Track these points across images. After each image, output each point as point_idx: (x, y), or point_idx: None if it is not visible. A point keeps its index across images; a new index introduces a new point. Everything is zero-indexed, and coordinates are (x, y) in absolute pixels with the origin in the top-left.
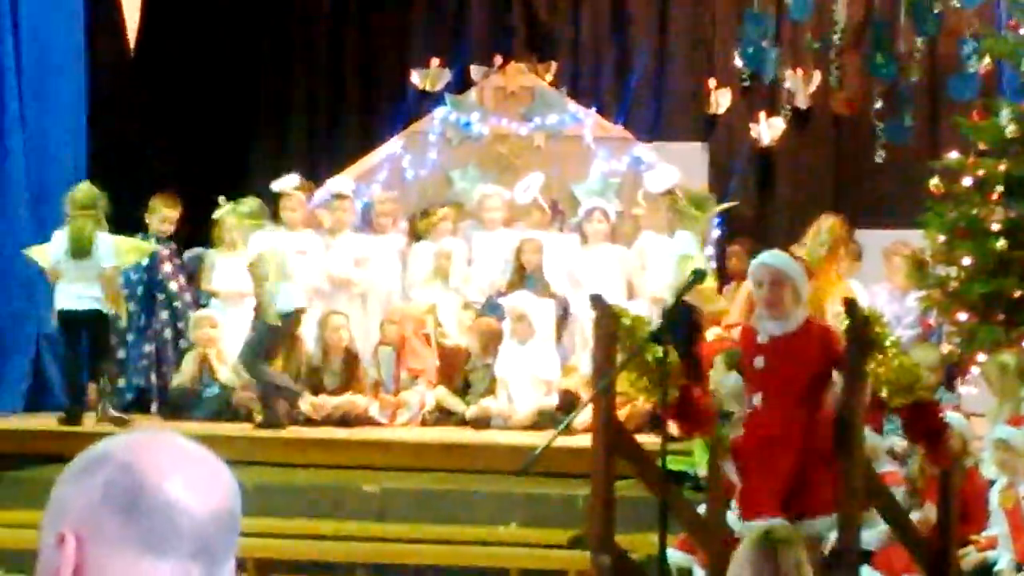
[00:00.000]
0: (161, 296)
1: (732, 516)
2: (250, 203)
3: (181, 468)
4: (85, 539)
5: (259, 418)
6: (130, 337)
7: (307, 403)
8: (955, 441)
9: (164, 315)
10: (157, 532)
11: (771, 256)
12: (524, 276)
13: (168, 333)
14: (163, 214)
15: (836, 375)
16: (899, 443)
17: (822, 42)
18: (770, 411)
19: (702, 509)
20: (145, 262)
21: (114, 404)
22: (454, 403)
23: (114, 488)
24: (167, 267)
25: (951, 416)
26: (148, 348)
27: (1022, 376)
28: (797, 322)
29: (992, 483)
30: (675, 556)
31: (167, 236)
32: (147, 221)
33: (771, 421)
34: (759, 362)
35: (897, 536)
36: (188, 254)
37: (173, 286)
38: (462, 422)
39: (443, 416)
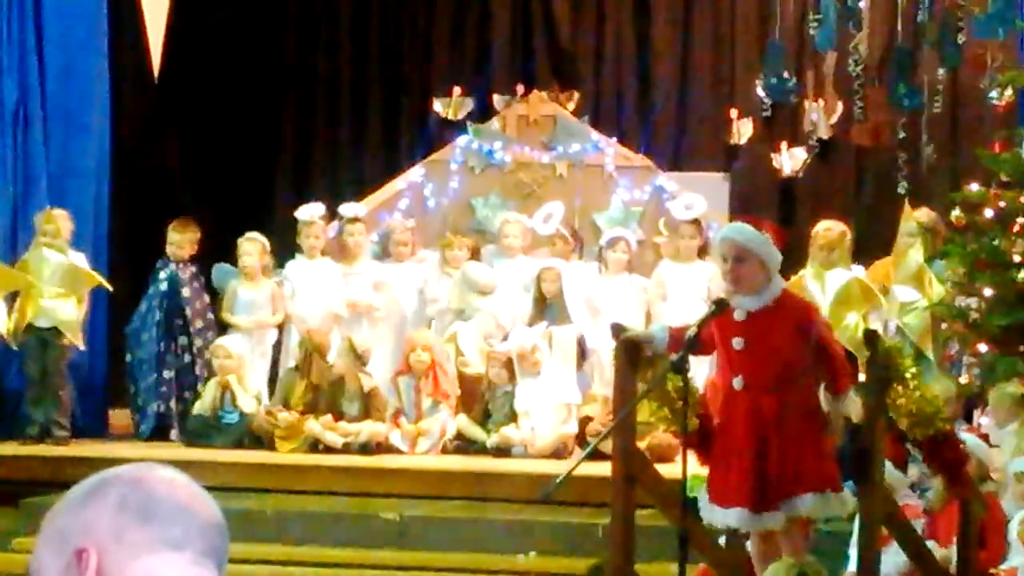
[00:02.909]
0: (179, 322)
1: (708, 507)
2: None
3: (182, 484)
4: (104, 550)
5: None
6: (149, 363)
7: (327, 430)
8: (974, 466)
9: (183, 340)
10: (175, 531)
11: (734, 230)
12: (544, 305)
13: (187, 358)
14: (179, 238)
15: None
16: (917, 473)
17: (843, 72)
18: (753, 394)
19: (722, 540)
20: (164, 287)
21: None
22: (475, 432)
23: (129, 501)
24: (186, 291)
25: (970, 440)
26: (168, 374)
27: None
28: (773, 295)
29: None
30: None
31: (186, 259)
32: (167, 247)
33: (757, 405)
34: (738, 343)
35: (915, 567)
36: (216, 268)
37: (188, 311)
38: (482, 450)
39: (464, 444)
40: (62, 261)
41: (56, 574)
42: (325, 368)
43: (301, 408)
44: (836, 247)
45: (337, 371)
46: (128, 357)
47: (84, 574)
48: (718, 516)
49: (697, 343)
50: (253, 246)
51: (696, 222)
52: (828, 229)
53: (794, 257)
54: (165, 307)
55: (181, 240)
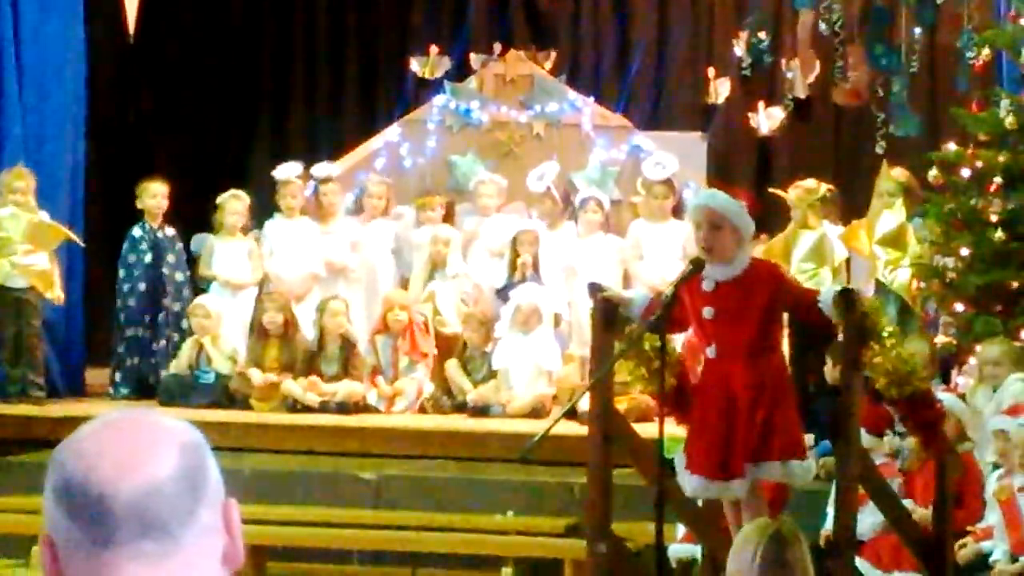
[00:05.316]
0: (170, 288)
1: (688, 476)
2: None
3: (108, 452)
4: (56, 543)
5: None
6: (141, 330)
7: (303, 389)
8: (951, 426)
9: (176, 307)
10: (96, 525)
11: (707, 196)
12: (523, 268)
13: (185, 324)
14: (159, 188)
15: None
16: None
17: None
18: (726, 362)
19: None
20: (148, 258)
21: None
22: (462, 380)
23: (57, 490)
24: (171, 257)
25: (948, 399)
26: (159, 345)
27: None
28: (742, 265)
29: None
30: (678, 549)
31: (162, 221)
32: (140, 207)
33: (729, 373)
34: (708, 312)
35: (892, 527)
36: (195, 239)
37: (179, 276)
38: (459, 409)
39: (443, 400)
40: (31, 218)
41: None
42: (301, 332)
43: (277, 369)
44: (798, 206)
45: (320, 329)
46: (119, 323)
47: (44, 565)
48: (684, 482)
49: (674, 304)
50: (241, 204)
51: (668, 182)
52: (795, 186)
53: (770, 217)
54: (150, 276)
55: (159, 190)
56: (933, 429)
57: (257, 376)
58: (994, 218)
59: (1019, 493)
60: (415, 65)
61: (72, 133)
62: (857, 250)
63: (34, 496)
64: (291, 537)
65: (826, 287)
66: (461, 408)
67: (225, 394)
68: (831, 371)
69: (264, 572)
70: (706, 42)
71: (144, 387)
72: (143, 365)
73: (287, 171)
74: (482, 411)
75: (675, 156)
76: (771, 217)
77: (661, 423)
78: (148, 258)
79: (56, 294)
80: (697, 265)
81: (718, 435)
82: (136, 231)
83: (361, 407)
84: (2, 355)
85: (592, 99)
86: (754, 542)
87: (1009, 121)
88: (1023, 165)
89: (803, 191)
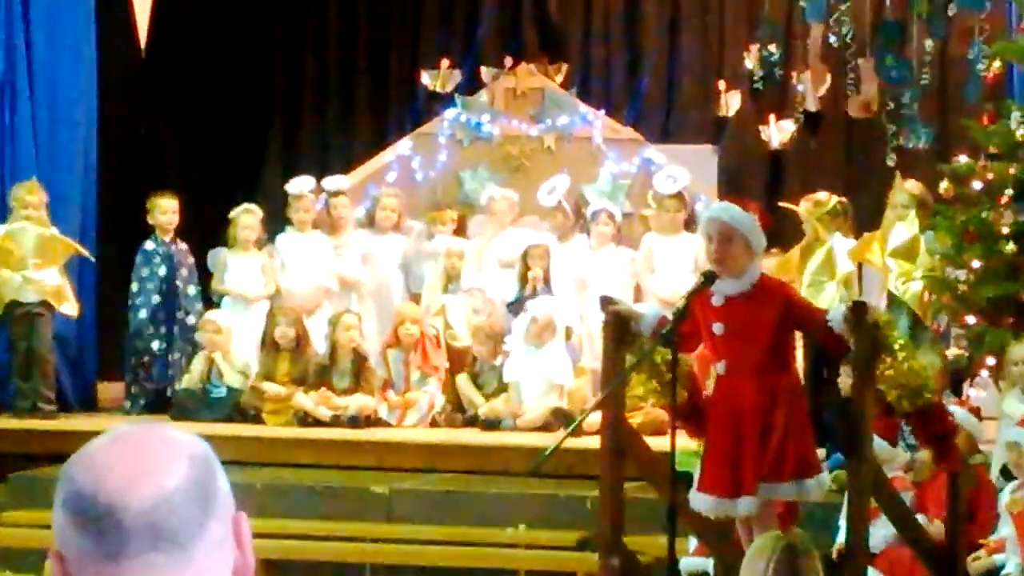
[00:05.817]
0: (181, 301)
1: (697, 495)
2: None
3: (116, 465)
4: (66, 557)
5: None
6: (156, 344)
7: (317, 404)
8: (963, 439)
9: (190, 321)
10: (105, 539)
11: (720, 209)
12: (527, 281)
13: (198, 338)
14: (167, 203)
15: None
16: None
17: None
18: (736, 379)
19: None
20: (162, 271)
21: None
22: (472, 393)
23: (68, 504)
24: (184, 271)
25: (959, 413)
26: (174, 356)
27: None
28: (752, 280)
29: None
30: (690, 562)
31: (174, 236)
32: (151, 223)
33: (739, 390)
34: (718, 328)
35: (905, 539)
36: (211, 254)
37: (191, 290)
38: (470, 422)
39: (454, 413)
40: (41, 232)
41: None
42: (312, 346)
43: (288, 383)
44: (808, 219)
45: (332, 343)
46: (132, 337)
47: None
48: (694, 501)
49: (685, 317)
50: (254, 218)
51: (680, 195)
52: (805, 199)
53: (781, 231)
54: (164, 290)
55: (169, 205)
56: (945, 442)
57: (269, 390)
58: (1005, 230)
59: None
60: (426, 78)
61: (83, 147)
62: (870, 262)
63: (46, 511)
64: (303, 551)
65: (834, 306)
66: (472, 422)
67: (237, 408)
68: (845, 382)
69: None
70: (717, 55)
71: (161, 401)
72: (159, 379)
73: (300, 185)
74: (493, 425)
75: (686, 169)
76: (783, 230)
77: (673, 436)
78: (162, 271)
79: (72, 307)
80: (708, 278)
81: (726, 453)
82: (149, 244)
83: (373, 421)
84: (14, 369)
85: (603, 112)
86: (767, 554)
87: (1020, 133)
88: None
89: (813, 204)
